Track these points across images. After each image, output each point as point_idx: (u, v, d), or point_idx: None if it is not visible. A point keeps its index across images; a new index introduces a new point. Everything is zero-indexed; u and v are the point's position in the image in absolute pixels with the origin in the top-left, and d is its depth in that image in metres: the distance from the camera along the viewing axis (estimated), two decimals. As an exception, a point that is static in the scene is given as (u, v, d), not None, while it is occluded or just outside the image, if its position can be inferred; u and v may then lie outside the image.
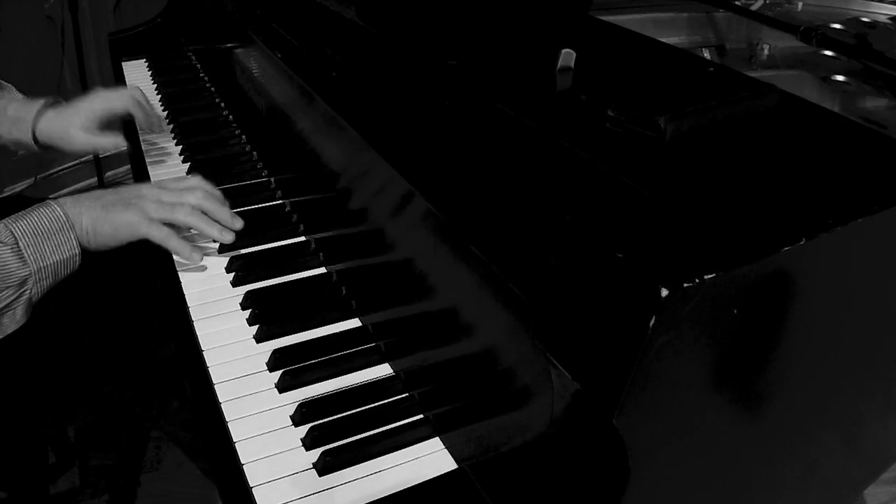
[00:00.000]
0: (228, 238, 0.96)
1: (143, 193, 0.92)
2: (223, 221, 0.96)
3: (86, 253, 0.87)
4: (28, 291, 0.82)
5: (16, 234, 0.81)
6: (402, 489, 0.69)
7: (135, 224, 0.89)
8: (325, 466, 0.71)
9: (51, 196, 2.51)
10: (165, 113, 1.46)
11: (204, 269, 0.98)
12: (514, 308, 0.59)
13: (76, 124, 1.11)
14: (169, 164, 1.27)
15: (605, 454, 0.52)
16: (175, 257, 0.97)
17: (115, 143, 1.15)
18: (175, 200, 0.92)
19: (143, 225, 0.89)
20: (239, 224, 0.97)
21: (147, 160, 1.28)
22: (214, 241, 0.98)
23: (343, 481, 0.70)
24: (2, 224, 0.82)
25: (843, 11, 1.32)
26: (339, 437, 0.73)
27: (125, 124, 1.28)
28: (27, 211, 0.84)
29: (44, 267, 0.82)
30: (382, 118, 0.87)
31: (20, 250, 0.81)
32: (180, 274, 0.98)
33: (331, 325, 0.89)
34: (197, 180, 0.97)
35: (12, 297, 0.80)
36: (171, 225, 0.92)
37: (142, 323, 1.13)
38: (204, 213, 0.94)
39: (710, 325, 0.51)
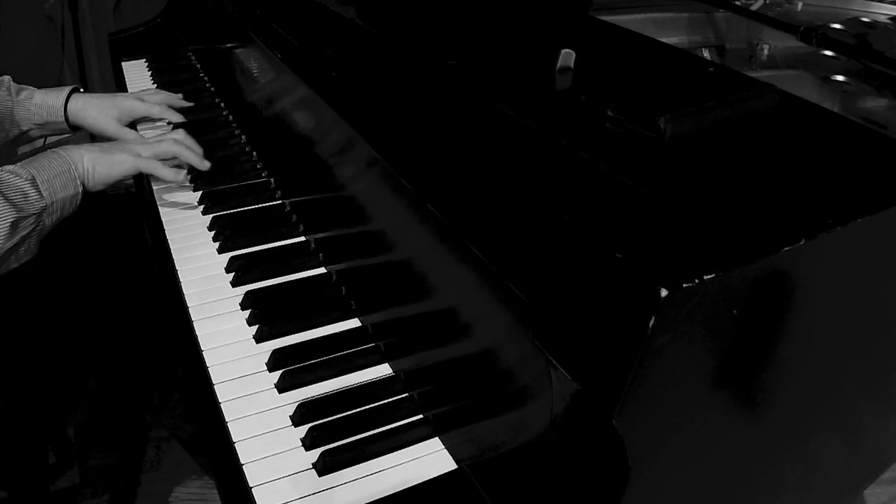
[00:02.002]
0: (206, 165, 1.14)
1: (130, 139, 1.16)
2: (198, 153, 1.14)
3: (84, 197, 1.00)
4: (42, 223, 0.94)
5: (31, 172, 0.94)
6: (401, 489, 0.69)
7: (128, 160, 1.05)
8: (324, 466, 0.71)
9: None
10: (165, 113, 1.46)
11: (204, 269, 0.98)
12: (514, 308, 0.59)
13: (112, 115, 1.27)
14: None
15: (604, 454, 0.52)
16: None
17: (138, 136, 1.29)
18: (160, 139, 1.12)
19: (136, 160, 1.06)
20: (207, 164, 1.15)
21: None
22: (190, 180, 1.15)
23: (342, 481, 0.70)
24: (17, 165, 0.94)
25: (843, 11, 1.32)
26: (338, 438, 0.73)
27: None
28: (35, 157, 0.98)
29: (56, 201, 0.95)
30: (382, 118, 0.86)
31: (38, 185, 0.93)
32: (180, 274, 0.98)
33: (331, 325, 0.89)
34: (167, 141, 1.13)
35: (32, 226, 0.92)
36: None
37: (142, 323, 1.13)
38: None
39: (710, 325, 0.51)
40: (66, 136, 1.32)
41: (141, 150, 1.08)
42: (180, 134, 1.16)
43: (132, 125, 1.32)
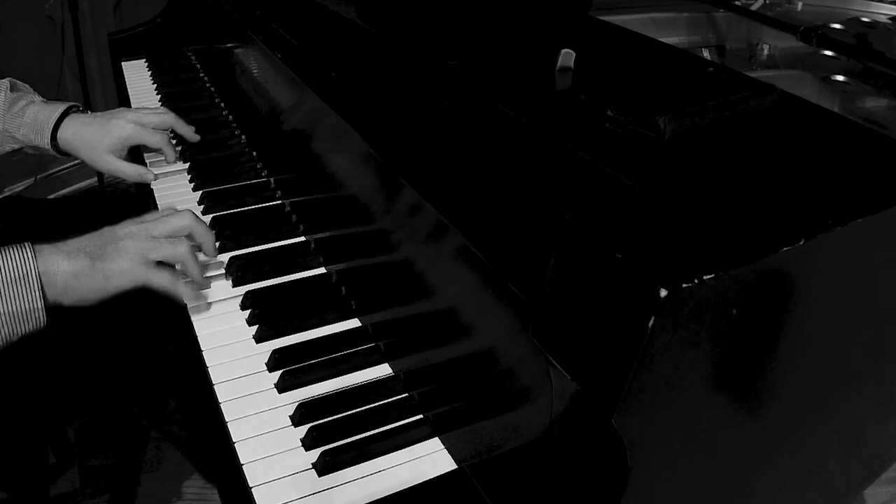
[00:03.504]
0: (207, 285, 0.92)
1: (131, 232, 0.83)
2: (207, 249, 0.91)
3: (63, 312, 0.79)
4: None
5: None
6: (401, 489, 0.69)
7: (130, 271, 0.80)
8: (324, 466, 0.71)
9: (50, 196, 2.51)
10: (165, 113, 1.46)
11: (204, 269, 0.98)
12: (514, 308, 0.59)
13: (105, 145, 1.09)
14: (168, 164, 1.27)
15: (604, 454, 0.52)
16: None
17: (139, 173, 1.14)
18: (168, 230, 0.85)
19: (142, 270, 0.81)
20: (216, 258, 0.94)
21: (147, 161, 1.28)
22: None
23: (342, 481, 0.70)
24: None
25: (843, 11, 1.32)
26: (338, 438, 0.73)
27: None
28: (3, 249, 0.75)
29: None
30: (382, 118, 0.86)
31: None
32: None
33: (330, 325, 0.89)
34: (180, 213, 0.88)
35: None
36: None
37: (141, 322, 1.13)
38: (191, 235, 0.89)
39: (710, 325, 0.51)
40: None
41: (149, 250, 0.81)
42: (188, 216, 0.87)
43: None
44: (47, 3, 2.38)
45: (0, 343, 0.75)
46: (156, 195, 1.17)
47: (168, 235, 0.84)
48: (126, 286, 0.80)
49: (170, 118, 1.17)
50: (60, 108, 1.10)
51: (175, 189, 1.18)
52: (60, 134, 1.08)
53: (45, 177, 2.51)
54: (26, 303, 0.74)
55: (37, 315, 0.75)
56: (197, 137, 1.21)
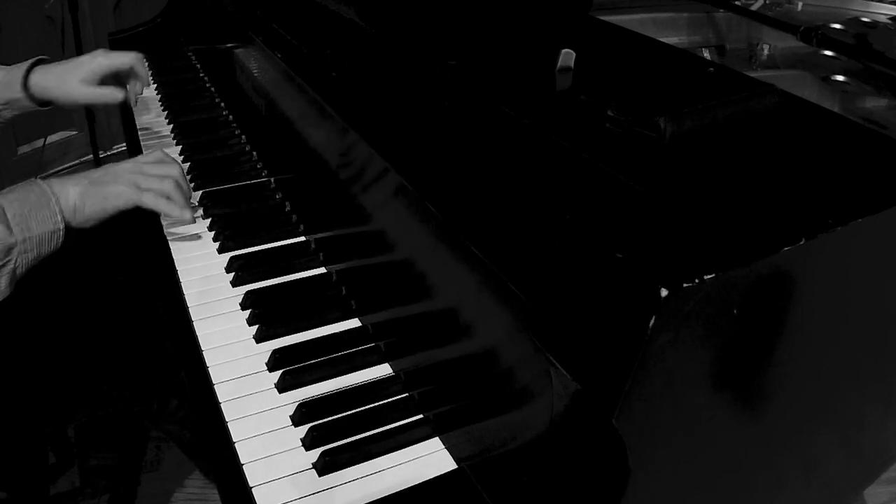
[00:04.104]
0: (188, 216, 1.01)
1: (126, 167, 0.97)
2: (188, 194, 1.01)
3: (70, 234, 0.90)
4: (12, 262, 0.84)
5: (2, 205, 0.84)
6: (401, 489, 0.69)
7: (125, 193, 0.94)
8: (324, 466, 0.71)
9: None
10: (165, 113, 1.46)
11: (204, 269, 0.98)
12: (514, 308, 0.59)
13: (77, 76, 1.15)
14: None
15: (604, 454, 0.52)
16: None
17: (112, 94, 1.19)
18: (159, 171, 0.98)
19: (134, 193, 0.94)
20: (189, 215, 1.01)
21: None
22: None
23: (343, 481, 0.70)
24: None
25: (843, 11, 1.32)
26: (338, 437, 0.73)
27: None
28: (15, 186, 0.87)
29: (28, 238, 0.85)
30: (382, 118, 0.87)
31: (7, 220, 0.83)
32: (180, 274, 0.98)
33: (331, 325, 0.89)
34: (163, 154, 1.02)
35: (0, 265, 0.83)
36: None
37: (142, 322, 1.13)
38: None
39: (710, 325, 0.51)
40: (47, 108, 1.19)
41: (141, 181, 0.96)
42: (177, 170, 1.01)
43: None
44: (47, 3, 2.38)
45: (30, 263, 0.86)
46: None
47: (157, 175, 0.98)
48: (121, 206, 0.94)
49: (131, 58, 1.20)
50: (27, 62, 1.16)
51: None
52: (31, 79, 1.14)
53: (44, 177, 2.51)
54: (50, 224, 0.87)
55: (58, 235, 0.88)
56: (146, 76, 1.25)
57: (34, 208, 0.86)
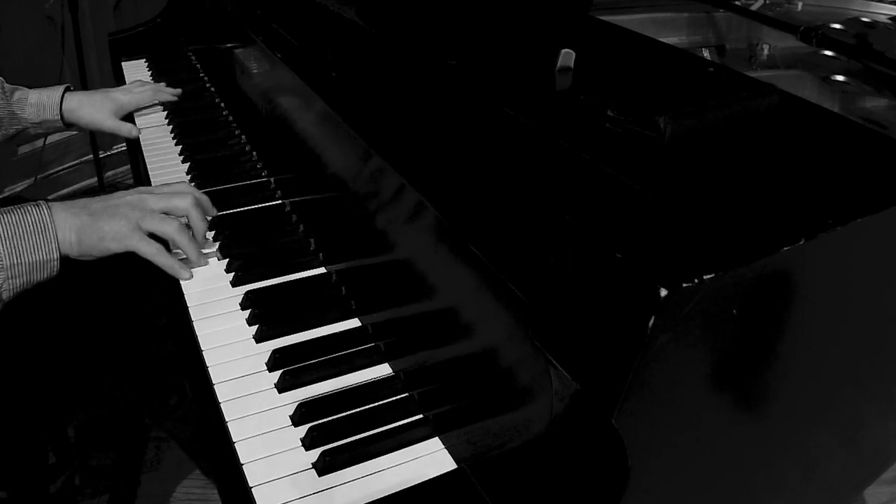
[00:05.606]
0: (203, 263, 0.96)
1: (130, 201, 0.89)
2: (197, 235, 0.94)
3: (69, 260, 0.86)
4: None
5: None
6: (401, 489, 0.69)
7: (122, 235, 0.87)
8: (324, 466, 0.71)
9: (50, 196, 2.51)
10: (165, 113, 1.46)
11: (204, 269, 0.98)
12: (514, 308, 0.59)
13: (110, 108, 1.33)
14: (168, 164, 1.27)
15: (604, 454, 0.52)
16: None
17: (130, 130, 1.36)
18: (164, 207, 0.91)
19: (132, 237, 0.87)
20: (203, 260, 0.97)
21: (147, 160, 1.29)
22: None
23: (343, 481, 0.70)
24: None
25: (843, 11, 1.32)
26: (338, 437, 0.73)
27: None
28: (16, 206, 0.83)
29: (17, 264, 0.80)
30: (382, 118, 0.87)
31: None
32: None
33: (330, 325, 0.89)
34: (185, 185, 0.98)
35: None
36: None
37: (142, 322, 1.13)
38: (189, 220, 0.93)
39: (710, 325, 0.51)
40: (67, 133, 1.40)
41: (141, 219, 0.88)
42: (189, 199, 0.93)
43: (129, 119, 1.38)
44: (47, 3, 2.37)
45: (18, 289, 0.82)
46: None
47: (164, 211, 0.90)
48: (117, 248, 0.87)
49: (150, 93, 1.43)
50: (60, 87, 1.30)
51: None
52: (66, 105, 1.28)
53: (44, 177, 2.51)
54: (44, 253, 0.82)
55: (52, 265, 0.83)
56: (178, 91, 1.46)
57: (28, 233, 0.81)
